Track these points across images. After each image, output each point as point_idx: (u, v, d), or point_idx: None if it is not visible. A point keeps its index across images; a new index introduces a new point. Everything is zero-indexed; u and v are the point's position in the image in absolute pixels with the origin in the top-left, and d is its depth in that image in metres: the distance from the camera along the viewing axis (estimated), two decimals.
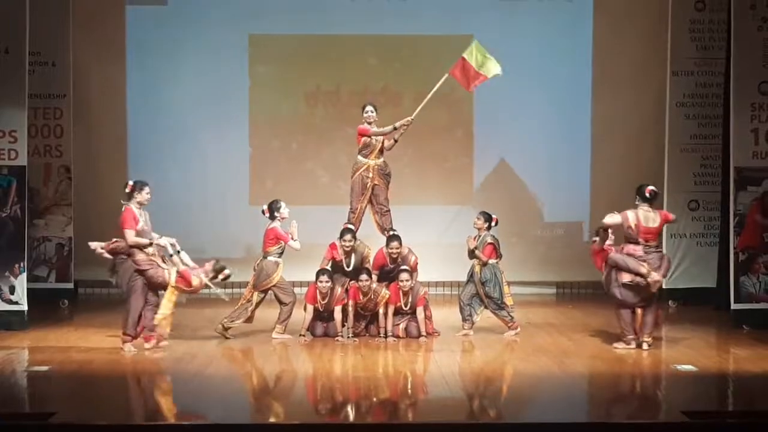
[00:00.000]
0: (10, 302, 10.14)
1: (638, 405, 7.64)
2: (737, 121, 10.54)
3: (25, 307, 10.19)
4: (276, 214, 9.89)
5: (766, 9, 10.50)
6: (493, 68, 10.18)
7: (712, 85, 12.02)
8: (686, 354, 9.07)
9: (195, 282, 9.25)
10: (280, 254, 9.88)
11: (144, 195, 9.20)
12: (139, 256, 9.09)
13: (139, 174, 13.02)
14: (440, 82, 10.21)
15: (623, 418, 7.11)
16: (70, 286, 12.23)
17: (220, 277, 9.46)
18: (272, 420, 7.11)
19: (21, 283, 10.16)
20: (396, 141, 10.30)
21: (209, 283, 9.40)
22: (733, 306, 10.48)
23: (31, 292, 10.35)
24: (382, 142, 10.22)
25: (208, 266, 9.48)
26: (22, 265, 10.18)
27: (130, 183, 9.29)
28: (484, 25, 13.36)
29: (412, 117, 10.12)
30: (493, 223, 10.22)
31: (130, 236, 9.03)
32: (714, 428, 6.77)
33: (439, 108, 13.50)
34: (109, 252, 9.27)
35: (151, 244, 9.14)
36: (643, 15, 13.15)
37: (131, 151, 13.30)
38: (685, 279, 12.12)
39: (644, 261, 9.09)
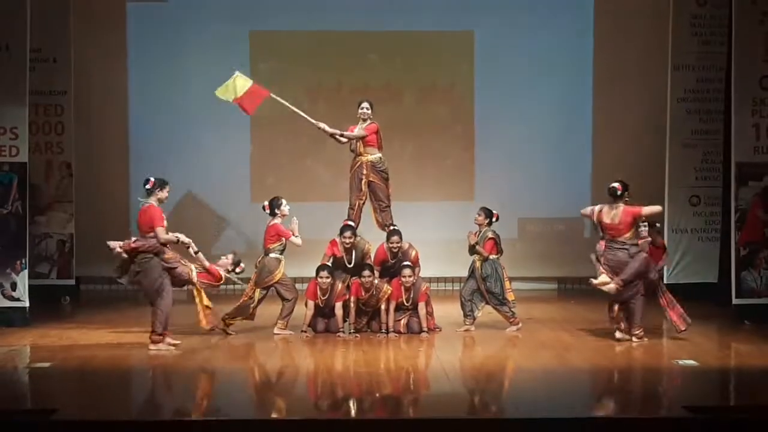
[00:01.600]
0: (12, 299, 10.16)
1: (640, 400, 7.62)
2: (738, 116, 10.54)
3: (27, 304, 10.22)
4: (277, 211, 9.88)
5: (767, 3, 10.49)
6: (240, 85, 10.12)
7: (714, 80, 11.99)
8: (687, 349, 9.07)
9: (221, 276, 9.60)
10: (282, 251, 9.88)
11: (165, 193, 9.04)
12: (169, 253, 8.99)
13: (140, 170, 13.10)
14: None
15: (625, 413, 7.10)
16: (72, 282, 12.24)
17: (238, 270, 9.83)
18: (274, 415, 7.11)
19: (22, 279, 10.17)
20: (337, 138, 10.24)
21: (231, 277, 9.76)
22: (735, 301, 10.50)
23: (32, 289, 10.37)
24: (365, 139, 10.15)
25: (227, 260, 9.82)
26: (23, 261, 10.19)
27: (152, 180, 8.99)
28: (485, 21, 13.42)
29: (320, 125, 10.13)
30: (494, 219, 10.22)
31: (162, 234, 8.85)
32: (715, 423, 6.76)
33: (440, 104, 13.56)
34: (129, 251, 8.95)
35: (179, 241, 9.06)
36: (645, 10, 13.15)
37: (132, 147, 13.33)
38: (686, 274, 12.10)
39: (606, 263, 9.29)
